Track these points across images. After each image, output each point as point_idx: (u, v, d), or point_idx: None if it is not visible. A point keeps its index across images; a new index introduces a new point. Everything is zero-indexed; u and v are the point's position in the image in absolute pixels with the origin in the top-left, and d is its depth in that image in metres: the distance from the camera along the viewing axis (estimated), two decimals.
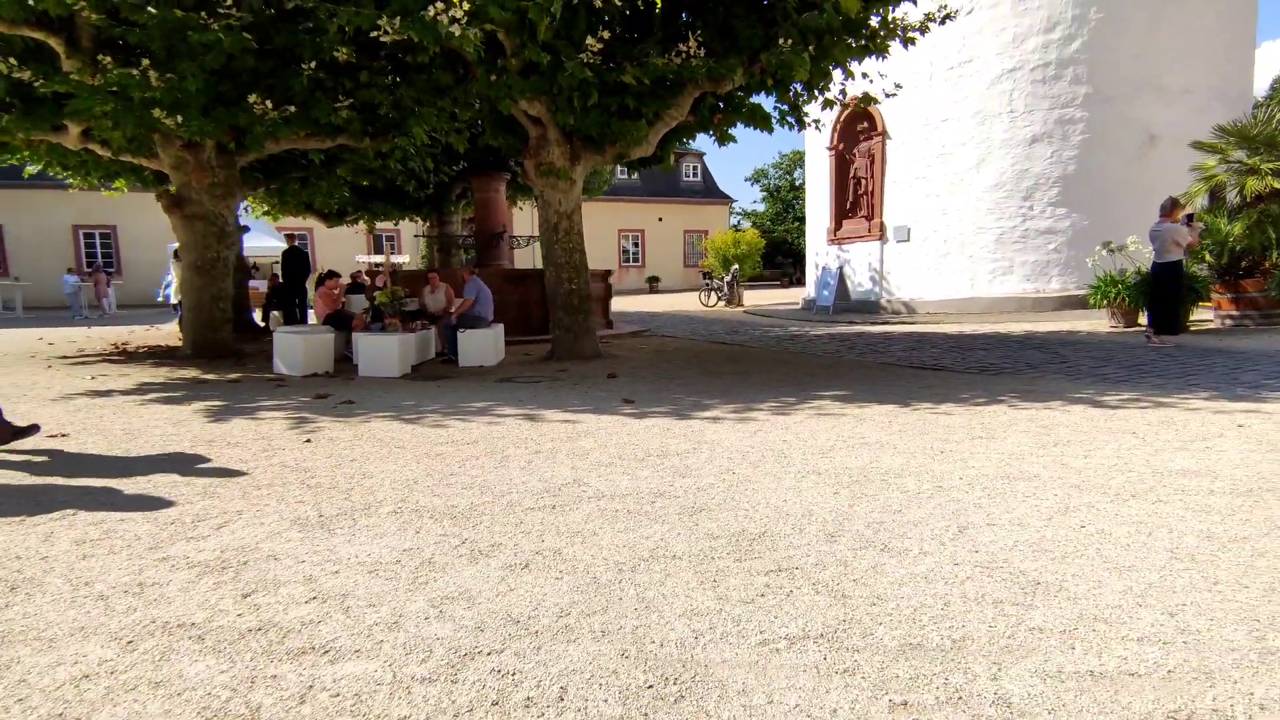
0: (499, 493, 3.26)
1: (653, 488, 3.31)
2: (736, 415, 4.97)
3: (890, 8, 8.20)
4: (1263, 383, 5.65)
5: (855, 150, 16.64)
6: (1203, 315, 10.40)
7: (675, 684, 1.70)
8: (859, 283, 16.58)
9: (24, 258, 25.80)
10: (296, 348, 7.82)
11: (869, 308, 16.09)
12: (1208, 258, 9.84)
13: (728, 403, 5.43)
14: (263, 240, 18.59)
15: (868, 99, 9.00)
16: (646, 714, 1.59)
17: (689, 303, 22.84)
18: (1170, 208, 8.40)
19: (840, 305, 16.70)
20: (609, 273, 13.46)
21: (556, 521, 2.86)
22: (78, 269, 23.36)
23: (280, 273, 14.00)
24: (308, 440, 4.31)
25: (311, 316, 13.65)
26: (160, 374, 7.77)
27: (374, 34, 6.22)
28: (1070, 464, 3.55)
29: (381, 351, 7.87)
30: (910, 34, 8.47)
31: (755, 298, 24.22)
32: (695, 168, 39.53)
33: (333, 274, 9.84)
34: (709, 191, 39.68)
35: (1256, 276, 9.58)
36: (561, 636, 1.94)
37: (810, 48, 7.49)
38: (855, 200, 16.74)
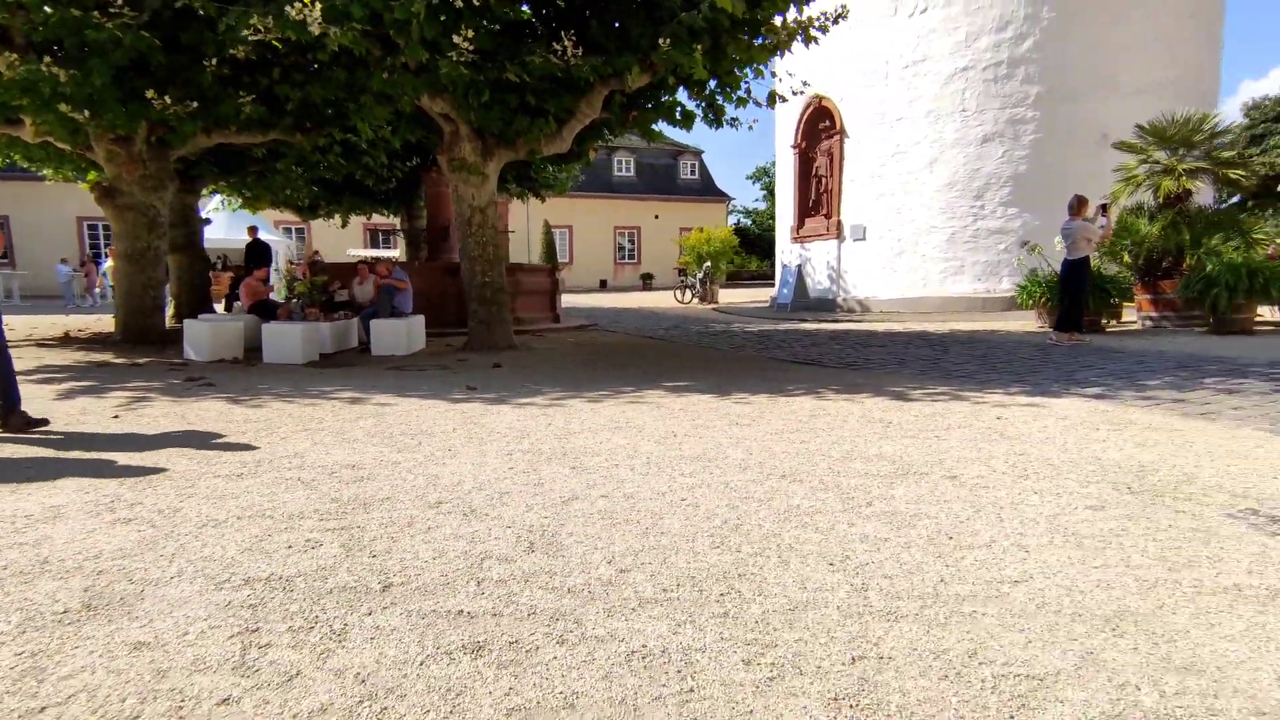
0: (234, 467, 3.48)
1: (357, 460, 3.51)
2: (551, 402, 5.16)
3: (791, 5, 8.30)
4: (1095, 380, 5.70)
5: (817, 149, 16.68)
6: (1129, 316, 10.36)
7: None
8: (818, 281, 16.62)
9: (30, 248, 26.70)
10: (203, 335, 8.15)
11: (826, 306, 16.14)
12: (1126, 258, 9.80)
13: (564, 392, 5.62)
14: (234, 233, 19.03)
15: (773, 98, 9.08)
16: None
17: (667, 300, 22.99)
18: (1078, 205, 8.43)
19: (800, 303, 16.75)
20: (556, 268, 13.66)
21: (232, 488, 3.08)
22: (81, 259, 24.17)
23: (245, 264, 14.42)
24: (116, 416, 4.59)
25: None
26: (74, 357, 8.15)
27: (245, 33, 6.48)
28: (774, 448, 3.69)
29: (284, 339, 8.15)
30: (812, 33, 8.53)
31: (733, 295, 24.32)
32: (694, 166, 39.61)
33: (259, 264, 10.16)
34: (706, 190, 39.73)
35: (1174, 277, 9.53)
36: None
37: (699, 47, 7.61)
38: (817, 199, 16.78)
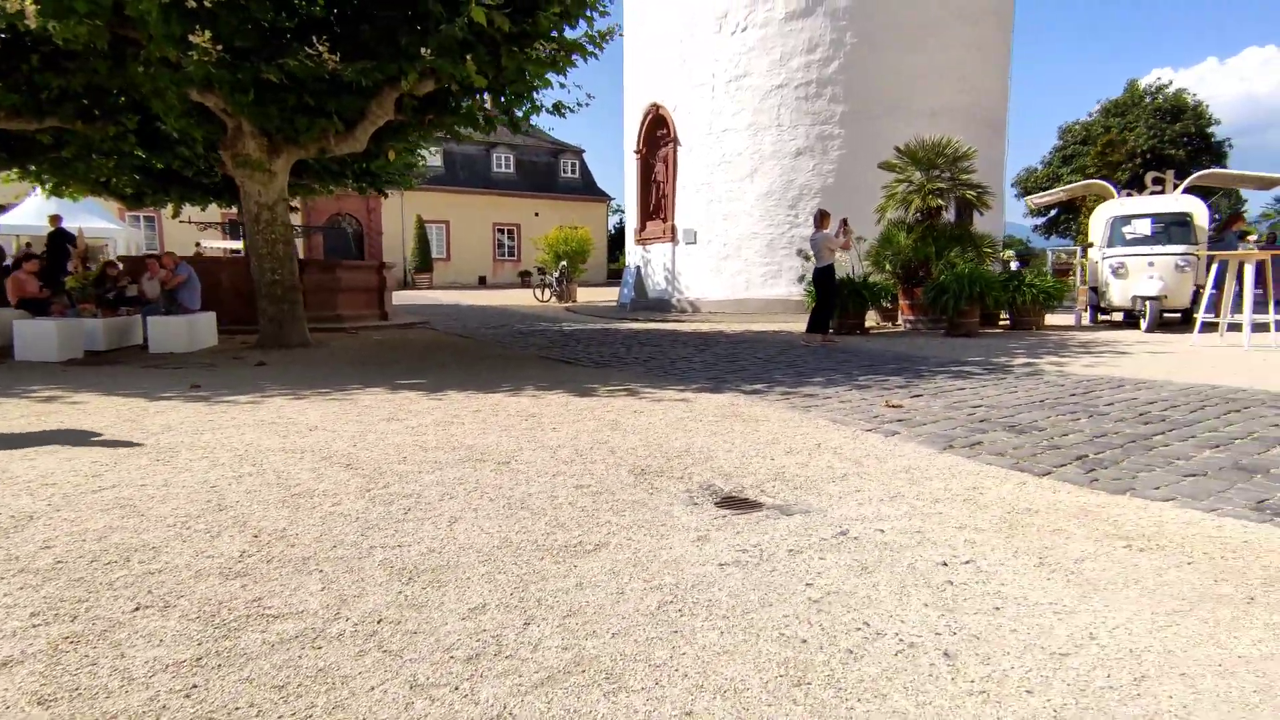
0: None
1: None
2: (254, 400, 5.37)
3: (565, 25, 8.77)
4: (780, 379, 6.44)
5: (657, 155, 17.38)
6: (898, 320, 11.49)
7: None
8: (656, 282, 17.33)
9: None
10: None
11: (663, 306, 16.86)
12: (888, 267, 10.86)
13: (284, 389, 5.87)
14: (31, 220, 17.77)
15: (558, 108, 9.53)
16: None
17: (527, 298, 23.22)
18: (820, 219, 9.30)
19: (641, 303, 17.41)
20: (384, 265, 13.66)
21: None
22: None
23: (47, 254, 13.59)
24: None
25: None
26: None
27: None
28: (386, 438, 4.09)
29: (40, 336, 7.90)
30: (589, 50, 9.03)
31: (599, 295, 24.80)
32: (574, 165, 39.95)
33: (30, 257, 9.71)
34: (588, 189, 40.17)
35: (926, 285, 10.66)
36: None
37: (471, 57, 7.93)
38: (657, 203, 17.48)
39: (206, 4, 6.64)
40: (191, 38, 6.67)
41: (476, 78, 8.16)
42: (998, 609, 2.04)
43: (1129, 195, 11.65)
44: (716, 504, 2.98)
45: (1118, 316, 11.06)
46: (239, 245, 23.47)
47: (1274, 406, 4.87)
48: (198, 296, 9.62)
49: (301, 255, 32.18)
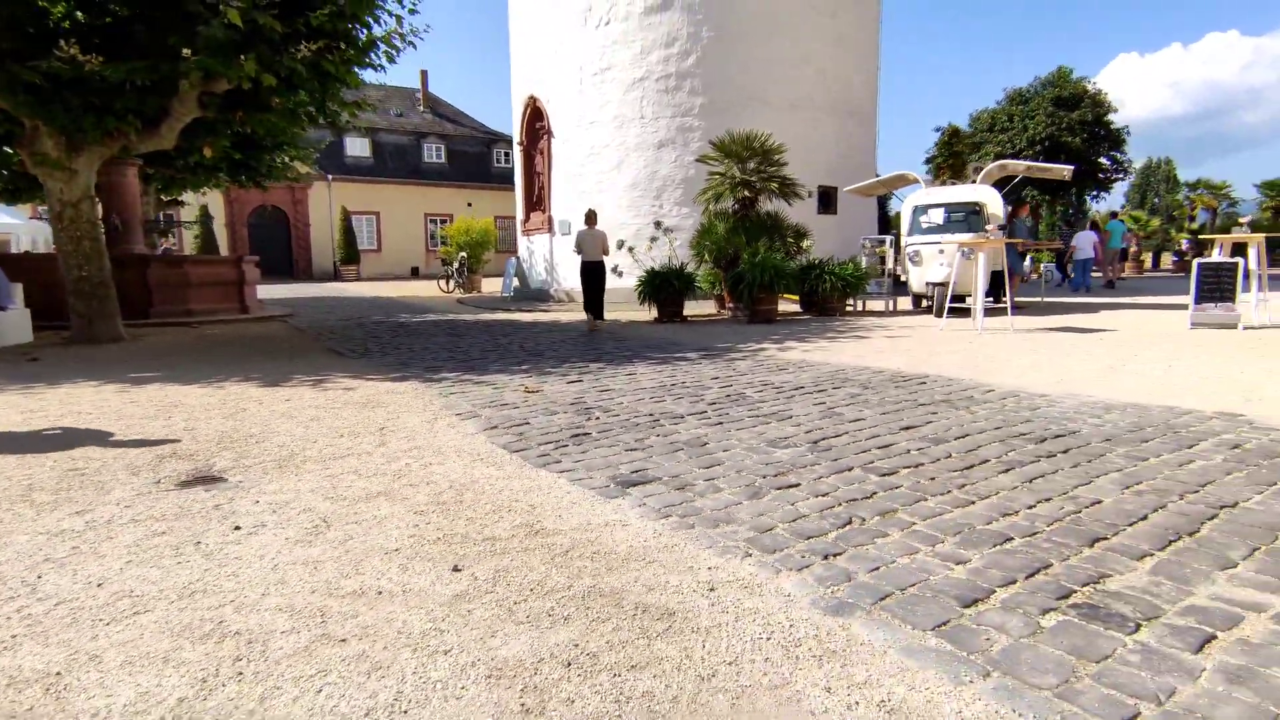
0: None
1: None
2: None
3: (369, 20, 9.03)
4: (491, 366, 6.80)
5: (536, 147, 17.61)
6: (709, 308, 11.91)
7: None
8: (539, 273, 17.62)
9: None
10: None
11: (543, 296, 17.15)
12: (706, 256, 11.25)
13: (23, 384, 6.10)
14: None
15: (361, 104, 9.76)
16: None
17: (433, 289, 23.38)
18: (592, 217, 9.76)
19: (525, 293, 17.70)
20: (240, 259, 13.77)
21: None
22: None
23: None
24: None
25: None
26: None
27: None
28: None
29: None
30: (391, 50, 9.27)
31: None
32: (507, 154, 39.83)
33: None
34: None
35: (730, 274, 11.07)
36: None
37: (249, 56, 8.13)
38: (538, 195, 17.73)
39: None
40: None
41: (266, 76, 8.38)
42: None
43: (934, 185, 12.14)
44: (179, 484, 3.32)
45: (927, 303, 11.57)
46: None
47: (862, 386, 5.32)
48: (7, 293, 9.74)
49: (224, 250, 31.90)
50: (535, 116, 17.39)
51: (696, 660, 1.72)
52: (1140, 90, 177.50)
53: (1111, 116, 27.17)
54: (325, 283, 32.24)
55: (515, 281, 17.93)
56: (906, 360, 6.69)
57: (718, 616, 1.95)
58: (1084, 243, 17.20)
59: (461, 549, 2.46)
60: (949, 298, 9.82)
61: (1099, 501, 2.81)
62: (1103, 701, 1.55)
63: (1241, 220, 18.86)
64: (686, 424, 4.29)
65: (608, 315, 12.64)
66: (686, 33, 14.87)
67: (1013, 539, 2.46)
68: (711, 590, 2.12)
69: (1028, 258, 20.68)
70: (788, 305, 12.16)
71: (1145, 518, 2.63)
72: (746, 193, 10.82)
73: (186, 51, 7.77)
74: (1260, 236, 8.83)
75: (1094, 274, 18.22)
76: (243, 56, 8.13)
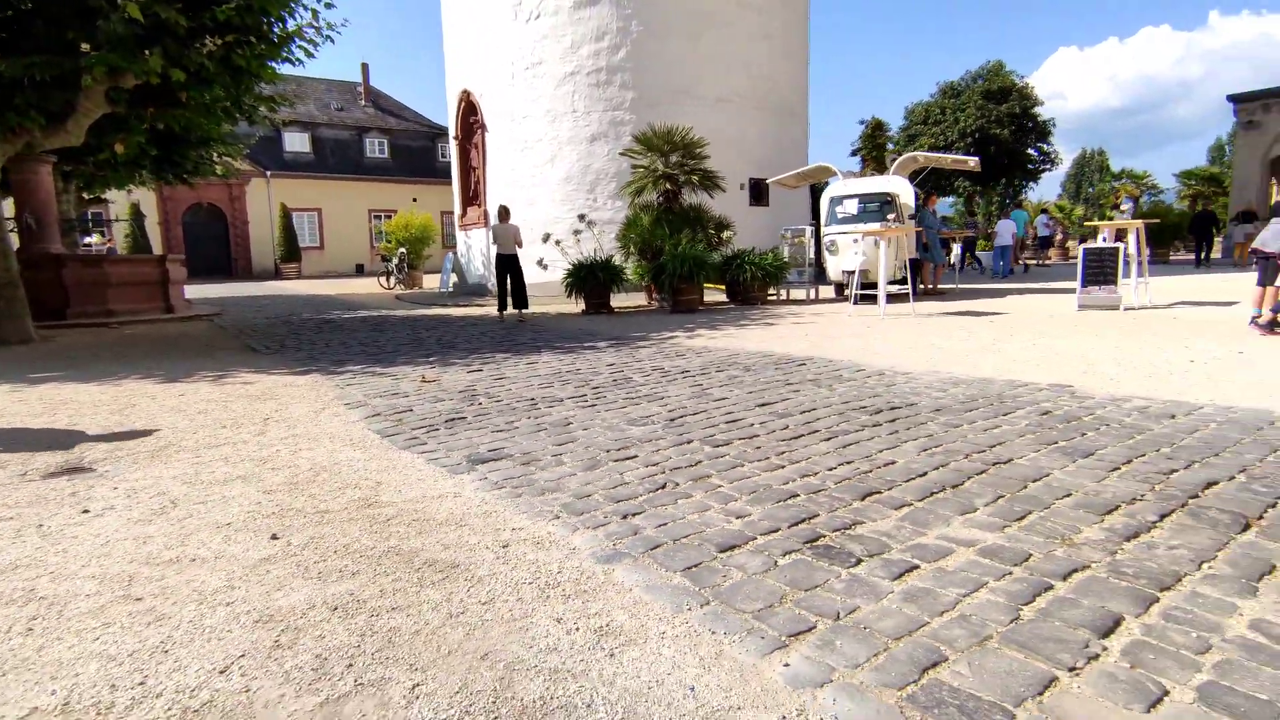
0: None
1: None
2: None
3: (283, 14, 8.99)
4: (399, 359, 6.92)
5: (471, 141, 17.60)
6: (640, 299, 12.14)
7: None
8: (475, 268, 17.64)
9: None
10: None
11: (481, 291, 17.18)
12: (632, 249, 11.47)
13: None
14: None
15: (280, 99, 9.72)
16: None
17: (374, 286, 23.16)
18: (504, 213, 9.93)
19: (463, 289, 17.70)
20: (164, 257, 13.52)
21: None
22: None
23: None
24: None
25: None
26: None
27: None
28: None
29: None
30: (308, 44, 9.26)
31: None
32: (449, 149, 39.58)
33: None
34: None
35: (651, 265, 11.31)
36: None
37: (153, 51, 8.05)
38: (473, 189, 17.73)
39: None
40: None
41: (174, 71, 8.31)
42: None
43: (850, 177, 12.58)
44: (44, 475, 3.41)
45: (848, 290, 12.00)
46: (91, 240, 22.62)
47: (744, 369, 5.62)
48: None
49: (158, 249, 31.01)
50: (469, 111, 17.38)
51: (455, 602, 1.93)
52: (1080, 84, 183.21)
53: (1039, 109, 28.23)
54: (265, 281, 31.59)
55: (454, 277, 17.92)
56: (805, 345, 7.01)
57: (497, 568, 2.17)
58: (1004, 230, 17.93)
59: (289, 521, 2.63)
60: (860, 284, 10.23)
61: (893, 463, 3.11)
62: (789, 619, 1.81)
63: (1124, 208, 19.85)
64: (563, 407, 4.51)
65: (536, 308, 12.81)
66: (616, 27, 15.04)
67: (799, 495, 2.74)
68: (505, 548, 2.33)
69: (957, 246, 21.41)
70: (715, 295, 12.47)
71: (924, 474, 2.94)
72: (669, 186, 11.07)
73: (86, 46, 7.67)
74: (1139, 223, 9.42)
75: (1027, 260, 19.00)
76: (147, 51, 8.07)
